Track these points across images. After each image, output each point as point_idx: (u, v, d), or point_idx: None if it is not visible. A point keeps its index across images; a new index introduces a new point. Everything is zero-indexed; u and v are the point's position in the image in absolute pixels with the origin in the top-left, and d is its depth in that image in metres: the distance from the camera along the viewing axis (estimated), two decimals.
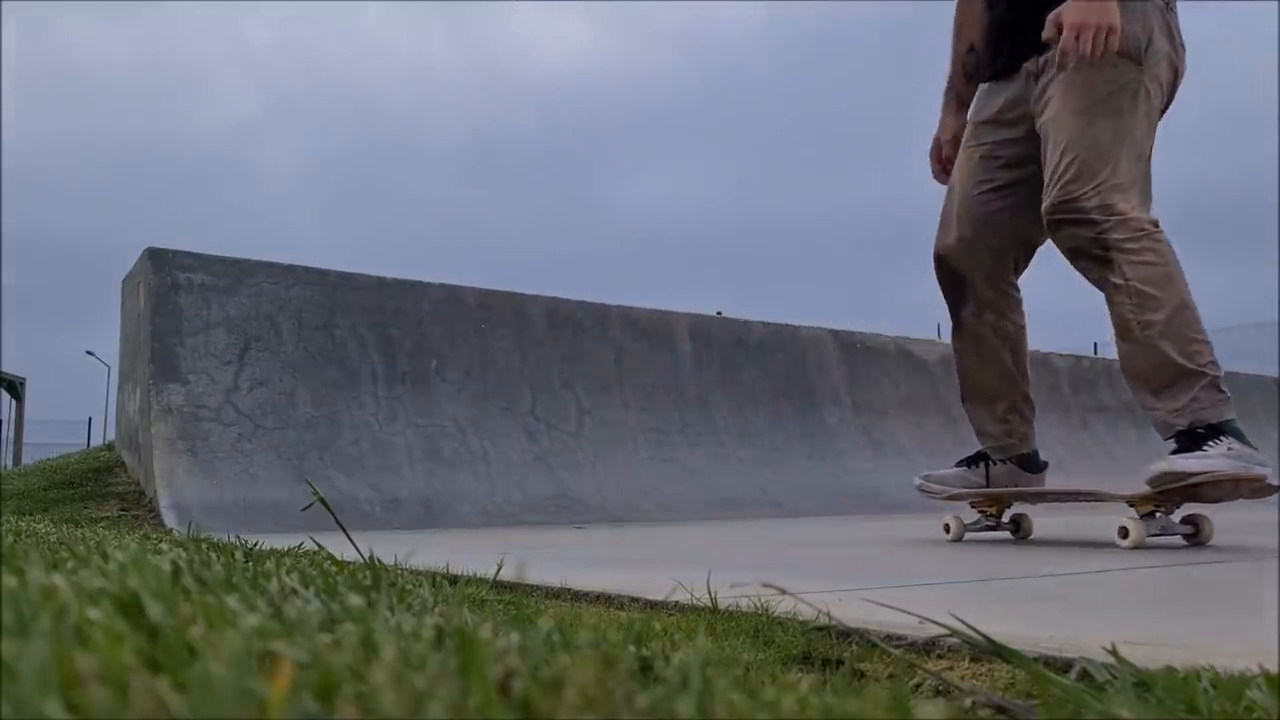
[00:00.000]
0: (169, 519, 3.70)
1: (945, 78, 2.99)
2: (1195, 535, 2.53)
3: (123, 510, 4.08)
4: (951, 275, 2.80)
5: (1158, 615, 1.49)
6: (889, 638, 1.16)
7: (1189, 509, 2.53)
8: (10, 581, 0.72)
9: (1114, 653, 0.86)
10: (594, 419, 5.28)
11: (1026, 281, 2.93)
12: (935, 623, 1.02)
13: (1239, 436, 2.35)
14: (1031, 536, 2.94)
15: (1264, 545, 2.53)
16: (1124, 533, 2.47)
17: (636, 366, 5.61)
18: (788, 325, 6.45)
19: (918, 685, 0.99)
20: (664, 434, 5.48)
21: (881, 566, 2.25)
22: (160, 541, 1.68)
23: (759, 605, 1.34)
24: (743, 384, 6.01)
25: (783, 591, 1.19)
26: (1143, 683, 0.79)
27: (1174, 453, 2.40)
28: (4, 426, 22.21)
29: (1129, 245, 2.34)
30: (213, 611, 0.66)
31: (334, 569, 1.19)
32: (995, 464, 2.83)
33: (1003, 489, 2.82)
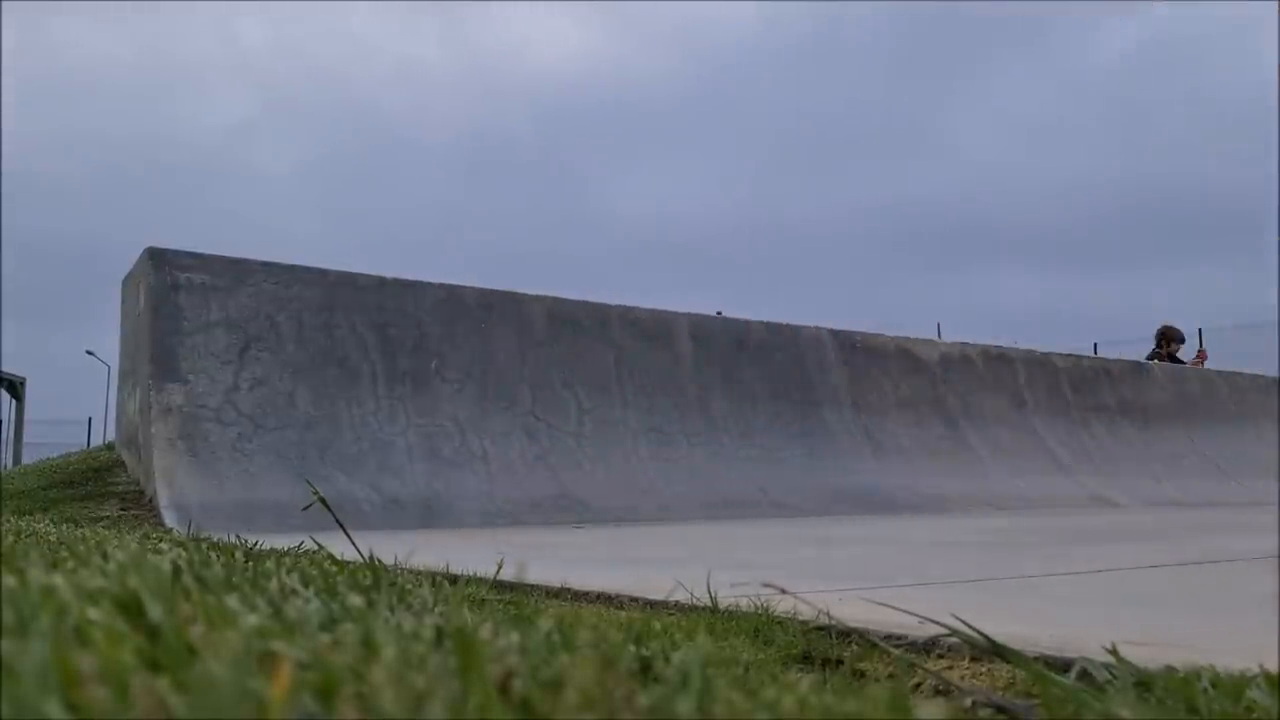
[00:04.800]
0: (169, 518, 3.70)
1: None
2: None
3: (123, 510, 4.08)
4: None
5: (1158, 615, 1.49)
6: (889, 638, 1.16)
7: None
8: (10, 581, 0.72)
9: (1114, 653, 0.86)
10: (594, 419, 5.28)
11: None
12: (935, 623, 1.02)
13: None
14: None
15: None
16: None
17: (636, 366, 5.61)
18: (788, 325, 6.45)
19: (918, 685, 0.99)
20: (664, 434, 5.48)
21: (881, 566, 2.25)
22: (160, 541, 1.68)
23: (759, 605, 1.34)
24: (742, 384, 6.00)
25: (783, 591, 1.19)
26: (1143, 683, 0.79)
27: None
28: (4, 426, 22.16)
29: None
30: (213, 611, 0.66)
31: (334, 569, 1.18)
32: None
33: None
